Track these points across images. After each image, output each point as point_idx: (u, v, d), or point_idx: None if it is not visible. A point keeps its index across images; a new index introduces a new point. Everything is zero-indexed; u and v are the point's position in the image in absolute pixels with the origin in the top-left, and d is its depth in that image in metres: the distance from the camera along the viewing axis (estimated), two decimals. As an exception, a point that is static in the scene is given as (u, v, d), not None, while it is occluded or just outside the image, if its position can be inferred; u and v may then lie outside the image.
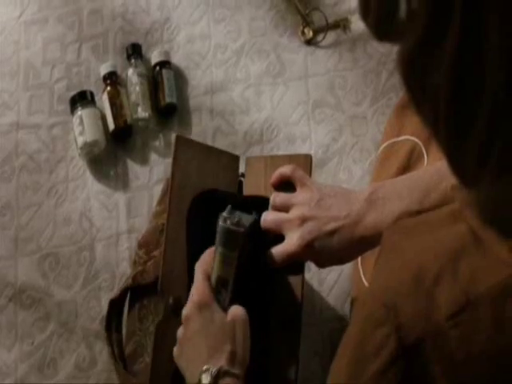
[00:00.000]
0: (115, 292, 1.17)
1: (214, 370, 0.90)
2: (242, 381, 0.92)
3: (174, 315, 1.01)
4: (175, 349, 0.97)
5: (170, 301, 1.03)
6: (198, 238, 1.05)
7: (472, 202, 0.59)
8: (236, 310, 0.95)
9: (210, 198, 1.08)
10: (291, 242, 1.00)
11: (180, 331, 0.97)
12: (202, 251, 1.01)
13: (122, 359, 1.11)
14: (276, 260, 1.01)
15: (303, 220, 0.99)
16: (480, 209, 0.59)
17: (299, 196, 1.03)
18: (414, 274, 0.65)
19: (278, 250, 1.01)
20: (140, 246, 1.16)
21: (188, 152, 1.10)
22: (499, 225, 0.59)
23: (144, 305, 1.11)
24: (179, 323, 0.98)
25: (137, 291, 1.12)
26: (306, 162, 1.10)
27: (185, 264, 1.04)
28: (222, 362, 0.91)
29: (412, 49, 0.52)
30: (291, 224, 1.00)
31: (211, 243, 0.99)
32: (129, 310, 1.13)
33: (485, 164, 0.53)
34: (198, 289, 0.96)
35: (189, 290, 0.99)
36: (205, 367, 0.91)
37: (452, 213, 0.67)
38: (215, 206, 1.00)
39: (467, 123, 0.52)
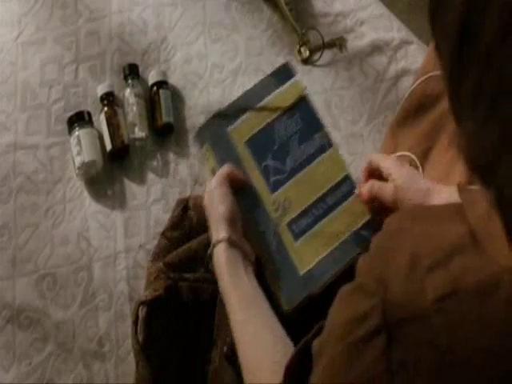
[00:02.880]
0: (144, 294, 1.17)
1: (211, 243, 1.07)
2: (230, 241, 1.06)
3: (228, 363, 1.07)
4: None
5: (225, 349, 1.07)
6: None
7: (463, 148, 0.60)
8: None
9: None
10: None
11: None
12: None
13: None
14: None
15: None
16: (467, 153, 0.60)
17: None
18: (409, 258, 0.67)
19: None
20: (168, 265, 1.17)
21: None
22: (481, 172, 0.60)
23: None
24: (234, 370, 1.04)
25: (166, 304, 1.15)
26: None
27: None
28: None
29: None
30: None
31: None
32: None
33: (476, 105, 0.57)
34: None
35: None
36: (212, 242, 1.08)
37: (457, 211, 0.69)
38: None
39: (467, 63, 0.57)
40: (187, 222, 1.22)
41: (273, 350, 0.96)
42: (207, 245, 1.17)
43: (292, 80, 1.23)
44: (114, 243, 1.31)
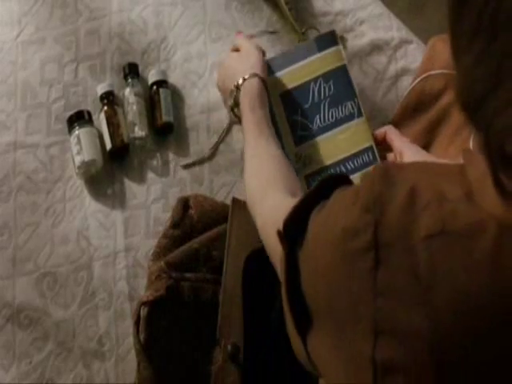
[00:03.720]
0: (145, 294, 1.17)
1: (233, 85, 1.22)
2: (263, 80, 1.21)
3: (231, 361, 1.09)
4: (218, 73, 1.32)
5: (229, 348, 1.09)
6: (252, 290, 1.15)
7: (457, 82, 0.62)
8: (247, 43, 1.30)
9: (262, 255, 1.13)
10: None
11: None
12: (256, 303, 1.12)
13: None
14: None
15: None
16: (461, 87, 0.62)
17: None
18: (409, 191, 0.70)
19: None
20: (169, 264, 1.17)
21: (242, 213, 1.18)
22: (472, 108, 0.61)
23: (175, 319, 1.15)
24: (237, 369, 1.06)
25: (167, 303, 1.15)
26: None
27: (241, 315, 1.12)
28: (238, 78, 1.21)
29: None
30: None
31: (264, 295, 1.09)
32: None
33: (474, 39, 0.59)
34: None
35: (245, 338, 1.10)
36: (230, 90, 1.23)
37: (460, 170, 0.71)
38: (266, 262, 1.06)
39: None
40: (188, 221, 1.23)
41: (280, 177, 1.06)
42: (209, 244, 1.18)
43: (335, 47, 1.30)
44: (114, 242, 1.31)
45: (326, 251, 0.74)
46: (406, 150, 1.14)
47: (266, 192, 1.04)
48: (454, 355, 0.65)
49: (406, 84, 1.35)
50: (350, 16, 1.44)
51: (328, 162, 1.25)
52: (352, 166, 1.24)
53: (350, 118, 1.27)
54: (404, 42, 1.41)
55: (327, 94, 1.28)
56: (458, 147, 1.14)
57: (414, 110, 1.25)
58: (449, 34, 0.62)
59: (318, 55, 1.30)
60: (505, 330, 0.64)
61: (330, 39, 1.31)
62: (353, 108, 1.27)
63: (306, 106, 1.28)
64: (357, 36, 1.42)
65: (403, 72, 1.39)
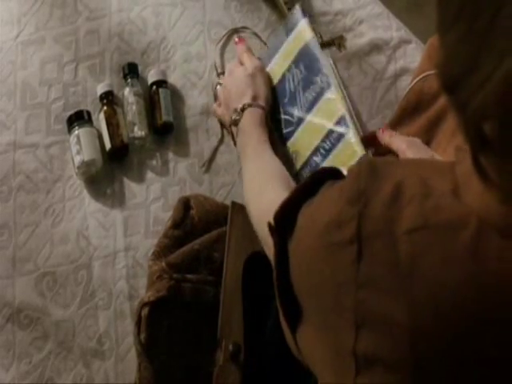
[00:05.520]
0: (147, 295, 1.16)
1: (239, 106, 1.24)
2: (266, 112, 1.24)
3: (232, 361, 1.09)
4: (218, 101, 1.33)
5: (230, 348, 1.09)
6: (252, 292, 1.15)
7: (440, 59, 0.63)
8: (254, 62, 1.30)
9: (261, 257, 1.13)
10: None
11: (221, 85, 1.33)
12: (256, 303, 1.13)
13: None
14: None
15: None
16: (442, 64, 0.63)
17: None
18: (395, 186, 0.70)
19: None
20: (170, 265, 1.17)
21: (241, 216, 1.18)
22: (451, 86, 0.62)
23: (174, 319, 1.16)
24: (237, 370, 1.07)
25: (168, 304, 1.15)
26: None
27: (241, 316, 1.13)
28: (245, 101, 1.24)
29: None
30: None
31: (264, 296, 1.07)
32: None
33: (459, 17, 0.59)
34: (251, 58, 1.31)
35: (245, 338, 1.10)
36: (233, 108, 1.26)
37: (450, 167, 0.71)
38: (266, 263, 1.07)
39: None
40: (189, 221, 1.23)
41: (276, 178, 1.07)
42: (209, 246, 1.18)
43: (299, 24, 1.24)
44: (114, 242, 1.31)
45: (312, 243, 0.75)
46: (407, 147, 1.13)
47: (266, 187, 1.04)
48: (433, 347, 0.66)
49: (405, 84, 1.35)
50: (350, 16, 1.44)
51: (309, 151, 1.22)
52: (329, 144, 1.18)
53: (321, 93, 1.21)
54: (403, 42, 1.41)
55: (299, 78, 1.24)
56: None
57: (413, 110, 1.25)
58: (436, 12, 0.63)
59: (287, 40, 1.26)
60: (483, 324, 0.65)
61: (295, 17, 1.25)
62: (321, 81, 1.21)
63: (286, 100, 1.25)
64: (356, 36, 1.42)
65: (402, 72, 1.39)
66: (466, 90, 0.59)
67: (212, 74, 1.42)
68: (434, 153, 1.12)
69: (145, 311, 1.13)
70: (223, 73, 1.40)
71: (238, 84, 1.28)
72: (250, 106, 1.24)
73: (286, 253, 0.79)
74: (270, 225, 0.82)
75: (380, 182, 0.71)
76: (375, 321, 0.68)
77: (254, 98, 1.25)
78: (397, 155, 1.14)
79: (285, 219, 0.81)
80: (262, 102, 1.25)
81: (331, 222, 0.72)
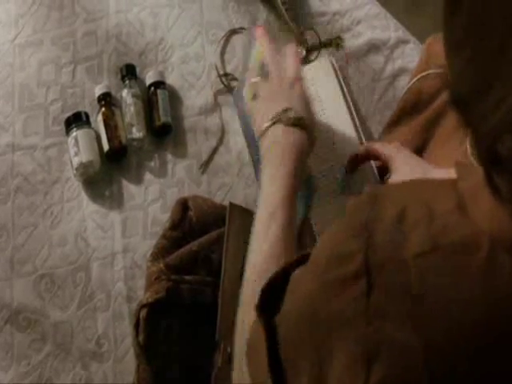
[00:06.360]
0: (145, 296, 1.16)
1: (270, 116, 1.10)
2: (308, 132, 1.10)
3: (230, 364, 1.06)
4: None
5: (228, 349, 1.07)
6: None
7: (448, 83, 0.63)
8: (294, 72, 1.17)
9: None
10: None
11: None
12: None
13: None
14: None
15: None
16: (451, 87, 0.63)
17: None
18: (398, 211, 0.69)
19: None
20: (168, 266, 1.17)
21: (239, 218, 1.19)
22: (460, 107, 0.62)
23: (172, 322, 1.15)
24: None
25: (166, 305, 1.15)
26: None
27: None
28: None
29: None
30: None
31: None
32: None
33: (464, 43, 0.59)
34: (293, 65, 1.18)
35: None
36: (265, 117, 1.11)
37: (452, 184, 0.70)
38: None
39: None
40: (187, 222, 1.23)
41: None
42: (208, 247, 1.18)
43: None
44: (112, 243, 1.31)
45: (311, 286, 0.72)
46: (395, 155, 1.13)
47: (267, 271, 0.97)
48: (449, 369, 0.65)
49: (403, 84, 1.35)
50: (347, 16, 1.44)
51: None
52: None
53: None
54: (401, 42, 1.41)
55: None
56: (455, 146, 1.13)
57: (412, 110, 1.25)
58: (443, 32, 0.62)
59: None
60: (497, 347, 0.64)
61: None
62: None
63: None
64: (354, 36, 1.42)
65: (400, 72, 1.39)
66: (479, 111, 0.58)
67: (210, 74, 1.42)
68: (425, 162, 1.12)
69: (143, 313, 1.13)
70: (224, 74, 1.40)
71: (279, 91, 1.16)
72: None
73: (275, 329, 0.76)
74: (256, 307, 0.80)
75: (382, 209, 0.70)
76: (389, 349, 0.66)
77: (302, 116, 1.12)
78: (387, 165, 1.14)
79: (271, 294, 0.79)
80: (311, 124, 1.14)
81: (334, 256, 0.70)
